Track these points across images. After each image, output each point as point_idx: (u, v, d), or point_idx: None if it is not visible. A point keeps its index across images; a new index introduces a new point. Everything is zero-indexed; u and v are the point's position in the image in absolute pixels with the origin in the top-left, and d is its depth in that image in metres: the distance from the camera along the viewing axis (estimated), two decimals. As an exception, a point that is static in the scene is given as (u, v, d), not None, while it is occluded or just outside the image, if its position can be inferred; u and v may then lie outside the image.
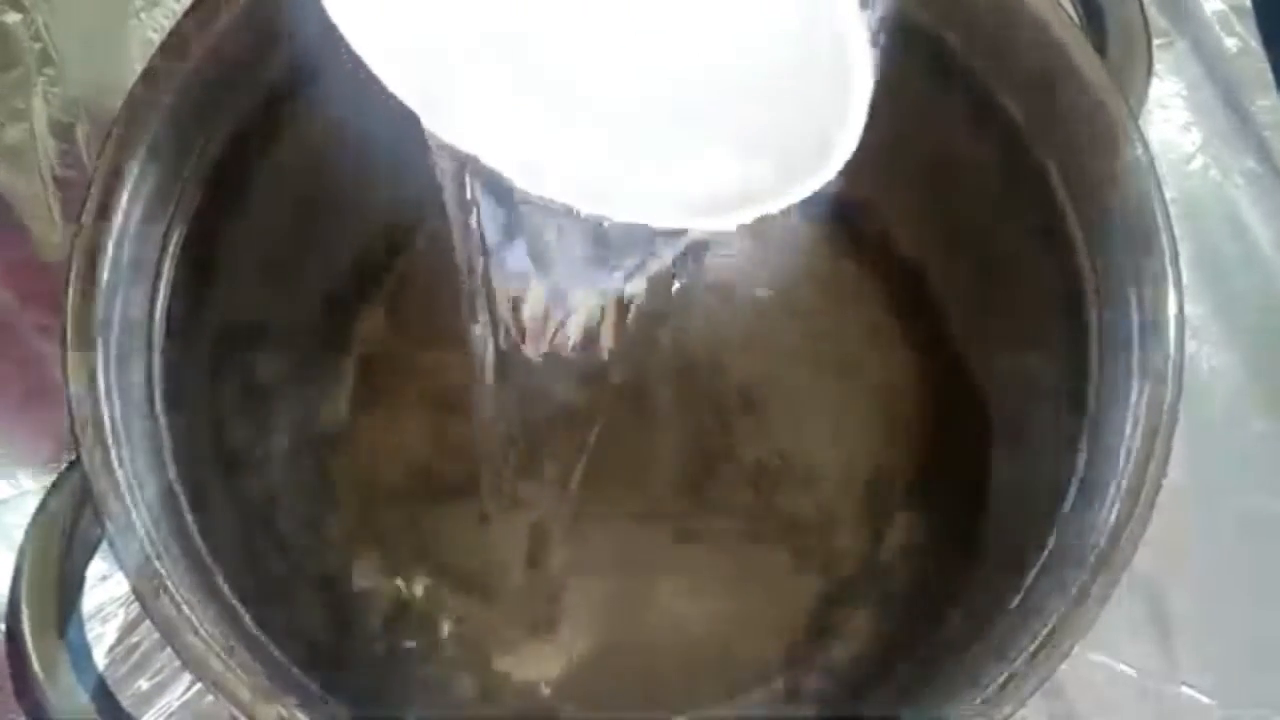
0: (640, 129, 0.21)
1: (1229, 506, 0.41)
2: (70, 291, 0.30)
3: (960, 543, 0.38)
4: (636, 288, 0.28)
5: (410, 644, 0.40)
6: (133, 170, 0.31)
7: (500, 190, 0.25)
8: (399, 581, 0.41)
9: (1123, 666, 0.40)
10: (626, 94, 0.21)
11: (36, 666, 0.29)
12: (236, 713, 0.28)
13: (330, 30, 0.20)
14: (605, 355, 0.32)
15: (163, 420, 0.31)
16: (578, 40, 0.20)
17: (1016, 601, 0.31)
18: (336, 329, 0.43)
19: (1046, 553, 0.31)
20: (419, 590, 0.41)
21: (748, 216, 0.21)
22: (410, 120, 0.21)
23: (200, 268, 0.33)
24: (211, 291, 0.34)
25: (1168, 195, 0.31)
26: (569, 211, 0.21)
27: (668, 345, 0.43)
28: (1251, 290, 0.44)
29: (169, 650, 0.29)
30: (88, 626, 0.31)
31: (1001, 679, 0.29)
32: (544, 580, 0.42)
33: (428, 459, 0.42)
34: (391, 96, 0.21)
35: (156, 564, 0.29)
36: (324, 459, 0.42)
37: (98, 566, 0.32)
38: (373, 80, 0.21)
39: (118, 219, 0.31)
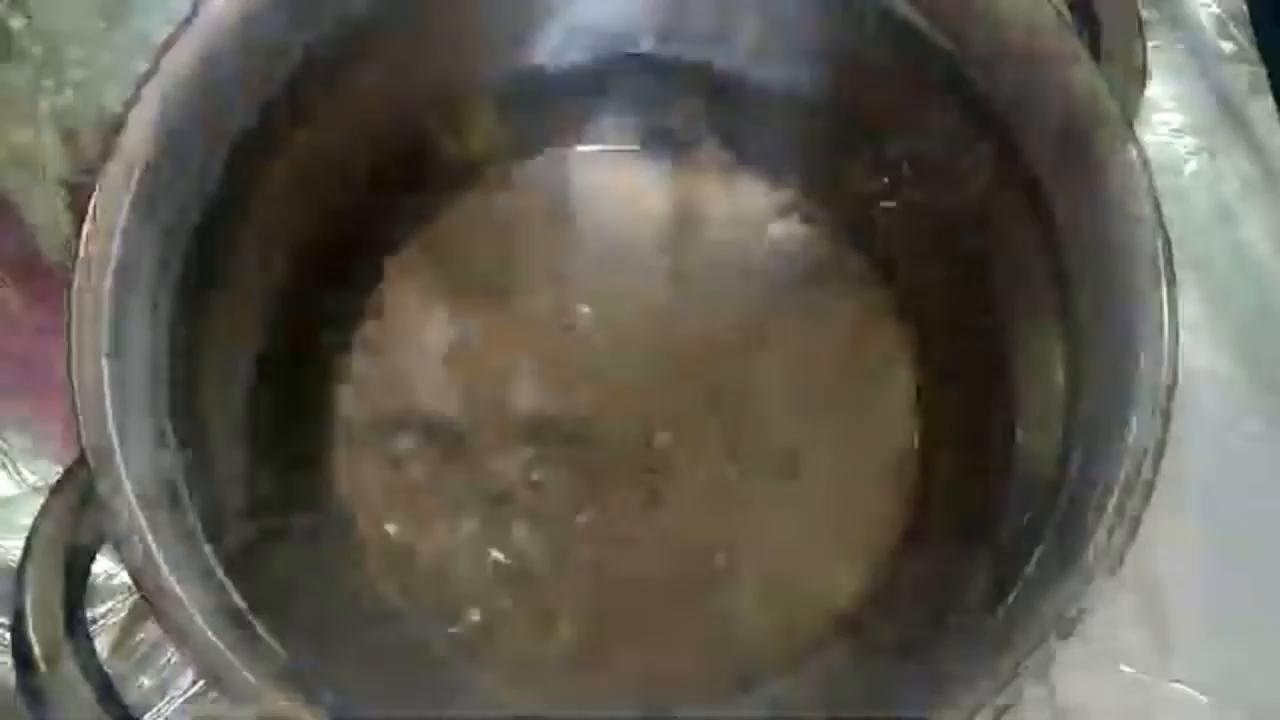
0: None
1: (1223, 506, 0.42)
2: (74, 292, 0.30)
3: (955, 543, 0.38)
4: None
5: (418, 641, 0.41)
6: (136, 172, 0.31)
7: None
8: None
9: (1118, 664, 0.40)
10: None
11: (41, 664, 0.29)
12: (240, 710, 0.28)
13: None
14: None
15: (167, 419, 0.31)
16: None
17: (1012, 598, 0.31)
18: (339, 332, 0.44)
19: (1041, 550, 0.31)
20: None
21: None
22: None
23: (206, 270, 0.34)
24: (216, 295, 0.35)
25: (1162, 199, 0.31)
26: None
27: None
28: (1246, 292, 0.44)
29: (172, 647, 0.29)
30: (91, 624, 0.31)
31: (994, 675, 0.29)
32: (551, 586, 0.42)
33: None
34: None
35: (160, 562, 0.29)
36: (328, 466, 0.42)
37: (102, 564, 0.32)
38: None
39: (122, 221, 0.31)
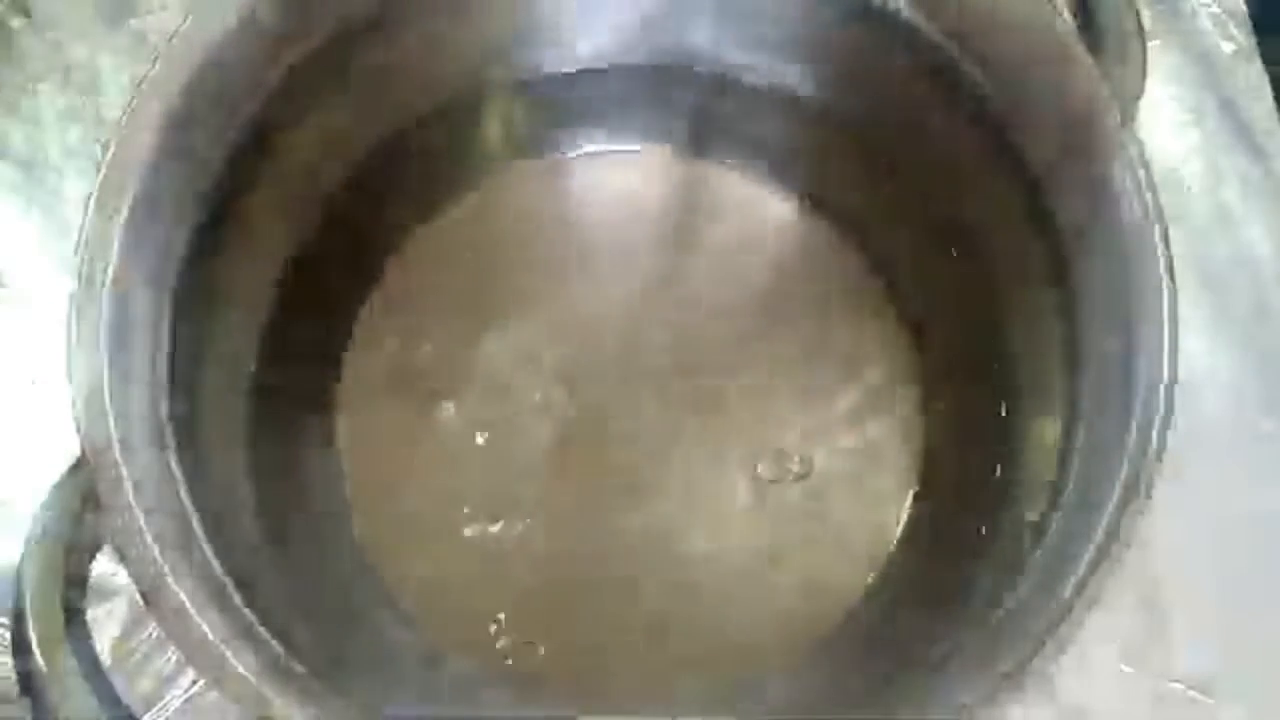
0: None
1: (1224, 505, 0.42)
2: (75, 292, 0.30)
3: (956, 543, 0.38)
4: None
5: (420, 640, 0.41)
6: (136, 172, 0.31)
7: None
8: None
9: (1118, 664, 0.40)
10: None
11: (40, 663, 0.29)
12: (240, 709, 0.28)
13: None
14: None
15: (167, 420, 0.31)
16: None
17: (1012, 600, 0.31)
18: (337, 331, 0.44)
19: (1042, 550, 0.31)
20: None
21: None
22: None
23: (206, 270, 0.34)
24: (216, 295, 0.35)
25: (1161, 197, 0.31)
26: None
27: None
28: (1245, 291, 0.44)
29: (172, 647, 0.29)
30: (91, 624, 0.31)
31: (995, 677, 0.29)
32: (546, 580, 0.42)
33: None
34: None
35: (160, 563, 0.29)
36: (335, 469, 0.42)
37: (102, 564, 0.32)
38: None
39: (121, 221, 0.31)
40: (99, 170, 0.31)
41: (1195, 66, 0.47)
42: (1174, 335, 0.31)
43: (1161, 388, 0.30)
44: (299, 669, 0.30)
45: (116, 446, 0.29)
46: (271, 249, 0.38)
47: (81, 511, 0.30)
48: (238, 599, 0.30)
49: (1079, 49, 0.32)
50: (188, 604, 0.29)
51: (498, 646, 0.41)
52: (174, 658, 0.39)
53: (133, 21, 0.47)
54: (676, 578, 0.41)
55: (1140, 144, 0.32)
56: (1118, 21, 0.34)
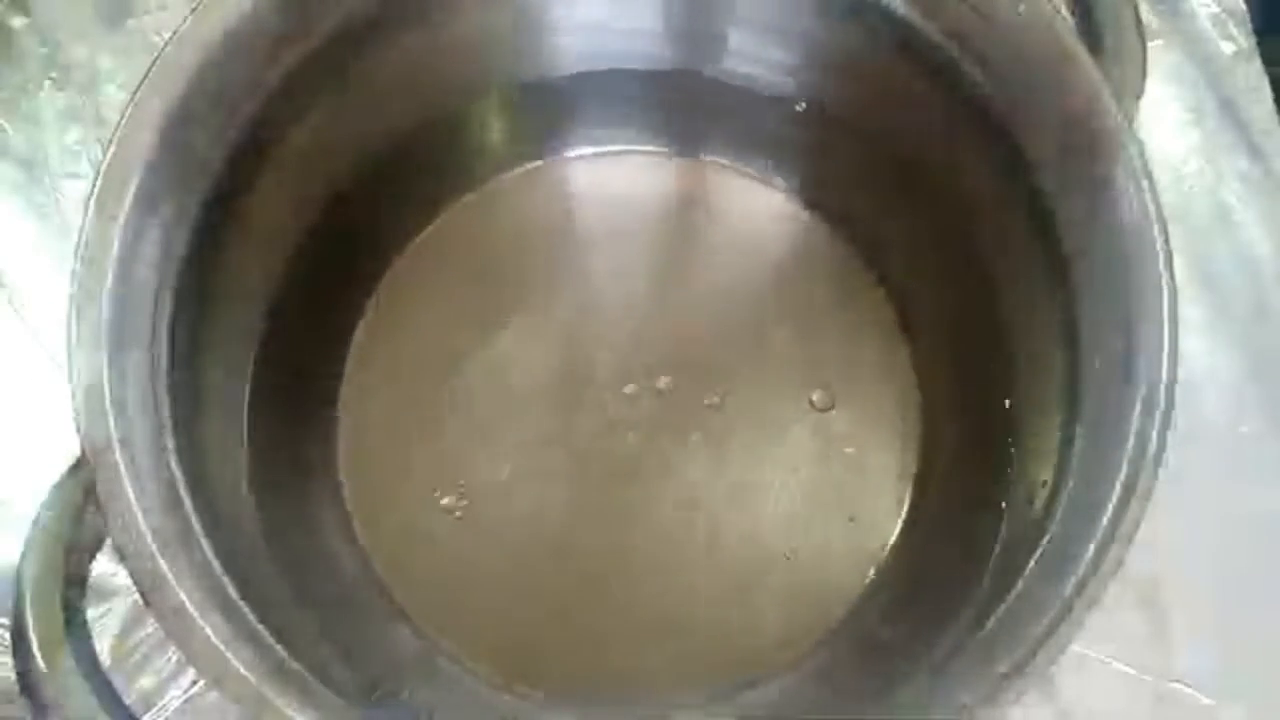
0: None
1: (1224, 505, 0.42)
2: (75, 292, 0.30)
3: (956, 544, 0.38)
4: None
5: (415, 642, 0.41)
6: (136, 172, 0.31)
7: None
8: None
9: (1118, 664, 0.40)
10: None
11: (40, 663, 0.29)
12: (240, 709, 0.28)
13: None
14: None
15: (168, 419, 0.31)
16: None
17: (1012, 599, 0.31)
18: (337, 332, 0.44)
19: (1042, 551, 0.31)
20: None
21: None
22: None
23: (206, 270, 0.34)
24: (216, 296, 0.35)
25: (1161, 197, 0.31)
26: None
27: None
28: (1244, 291, 0.44)
29: (172, 647, 0.29)
30: (91, 624, 0.31)
31: (995, 677, 0.29)
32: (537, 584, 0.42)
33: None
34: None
35: (159, 563, 0.29)
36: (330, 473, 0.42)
37: (102, 564, 0.32)
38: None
39: (122, 219, 0.31)
40: (99, 170, 0.31)
41: (1195, 66, 0.47)
42: (1174, 335, 0.30)
43: (1161, 388, 0.30)
44: (299, 669, 0.30)
45: (116, 446, 0.29)
46: (271, 249, 0.38)
47: (81, 511, 0.30)
48: (238, 599, 0.30)
49: (1079, 48, 0.32)
50: (188, 604, 0.29)
51: (498, 646, 0.41)
52: (174, 658, 0.39)
53: (132, 21, 0.47)
54: (676, 577, 0.41)
55: (1140, 144, 0.32)
56: (1117, 21, 0.34)
